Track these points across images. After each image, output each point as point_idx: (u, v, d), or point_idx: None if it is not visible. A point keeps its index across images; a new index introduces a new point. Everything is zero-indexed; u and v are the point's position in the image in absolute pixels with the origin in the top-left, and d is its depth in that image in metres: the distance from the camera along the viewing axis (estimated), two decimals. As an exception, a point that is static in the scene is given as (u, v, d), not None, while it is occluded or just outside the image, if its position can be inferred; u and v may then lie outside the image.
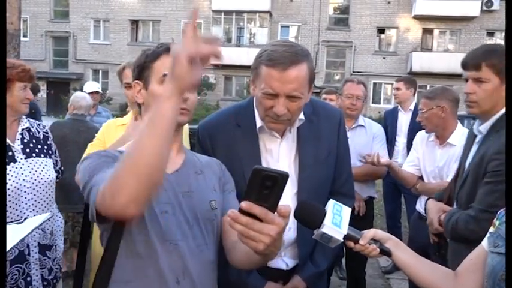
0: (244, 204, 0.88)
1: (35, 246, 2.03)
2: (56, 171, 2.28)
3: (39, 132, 2.20)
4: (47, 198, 2.11)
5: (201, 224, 1.27)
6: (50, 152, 2.21)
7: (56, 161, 2.30)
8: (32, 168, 2.06)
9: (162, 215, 1.19)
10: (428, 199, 2.23)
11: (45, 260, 2.07)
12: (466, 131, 2.81)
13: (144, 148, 0.93)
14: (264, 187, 0.87)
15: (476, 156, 1.81)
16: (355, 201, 3.08)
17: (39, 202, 2.07)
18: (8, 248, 1.50)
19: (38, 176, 2.07)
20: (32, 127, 2.18)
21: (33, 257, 2.02)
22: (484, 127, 1.83)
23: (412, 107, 4.43)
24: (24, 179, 2.02)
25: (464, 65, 1.84)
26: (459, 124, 2.79)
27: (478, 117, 1.90)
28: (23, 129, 2.12)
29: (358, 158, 2.99)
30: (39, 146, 2.15)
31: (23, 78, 2.04)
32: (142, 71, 1.28)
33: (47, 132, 2.25)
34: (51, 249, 2.12)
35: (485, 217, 1.57)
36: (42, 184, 2.08)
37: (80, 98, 4.20)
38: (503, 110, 1.75)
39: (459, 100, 2.84)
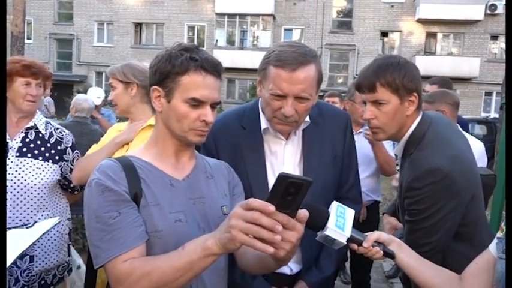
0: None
1: None
2: (65, 178, 2.18)
3: (52, 136, 2.13)
4: (28, 202, 1.99)
5: (213, 230, 1.25)
6: (56, 157, 2.11)
7: (71, 169, 2.18)
8: (20, 168, 1.98)
9: (176, 224, 1.18)
10: (383, 214, 2.14)
11: (12, 268, 1.93)
12: (467, 135, 2.79)
13: (171, 275, 1.03)
14: (287, 194, 0.87)
15: (400, 181, 1.65)
16: None
17: (18, 204, 1.97)
18: (17, 254, 1.45)
19: (22, 177, 1.97)
20: (47, 129, 2.13)
21: None
22: (398, 150, 1.65)
23: None
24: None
25: (358, 86, 1.60)
26: (459, 128, 2.77)
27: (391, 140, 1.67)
28: (28, 128, 2.07)
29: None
30: (42, 149, 2.08)
31: (24, 73, 2.00)
32: (165, 79, 1.19)
33: (61, 138, 2.17)
34: (22, 259, 1.96)
35: None
36: (25, 186, 1.97)
37: (82, 101, 4.18)
38: (411, 129, 1.57)
39: (459, 104, 2.82)
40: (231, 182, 1.37)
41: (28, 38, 21.74)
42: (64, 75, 24.45)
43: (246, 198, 1.34)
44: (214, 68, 1.20)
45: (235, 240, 0.92)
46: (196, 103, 1.18)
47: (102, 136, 4.05)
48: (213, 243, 0.98)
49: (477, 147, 2.70)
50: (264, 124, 1.65)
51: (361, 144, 3.06)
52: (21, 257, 1.96)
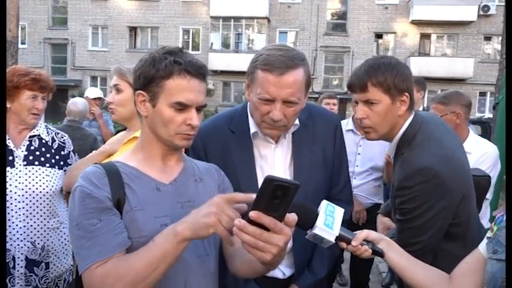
0: (254, 214, 0.87)
1: (22, 260, 1.93)
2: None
3: (54, 141, 2.14)
4: (41, 210, 2.02)
5: None
6: (61, 163, 2.13)
7: None
8: (30, 177, 1.99)
9: (162, 229, 1.15)
10: (377, 213, 2.13)
11: (31, 276, 1.95)
12: (480, 139, 2.74)
13: (145, 271, 1.02)
14: (274, 197, 0.86)
15: (392, 181, 1.66)
16: (357, 211, 3.05)
17: (31, 213, 1.99)
18: None
19: (33, 186, 1.99)
20: (48, 135, 2.13)
21: (18, 271, 1.92)
22: (390, 150, 1.67)
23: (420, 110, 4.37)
24: (16, 186, 1.96)
25: (350, 86, 1.62)
26: (471, 131, 2.72)
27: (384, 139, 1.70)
28: (32, 136, 2.07)
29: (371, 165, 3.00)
30: (48, 155, 2.08)
31: (33, 87, 2.00)
32: (149, 83, 1.18)
33: (64, 143, 2.18)
34: (39, 266, 1.99)
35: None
36: (37, 195, 2.00)
37: (74, 104, 4.17)
38: (403, 129, 1.58)
39: (471, 105, 2.76)
40: (221, 185, 1.36)
41: (22, 43, 21.66)
42: (59, 79, 24.24)
43: None
44: (198, 71, 1.18)
45: (212, 227, 0.94)
46: (181, 107, 1.17)
47: (94, 141, 4.03)
48: (184, 227, 0.99)
49: (491, 153, 2.61)
50: (253, 128, 1.63)
51: (366, 149, 3.05)
52: (38, 264, 1.99)
